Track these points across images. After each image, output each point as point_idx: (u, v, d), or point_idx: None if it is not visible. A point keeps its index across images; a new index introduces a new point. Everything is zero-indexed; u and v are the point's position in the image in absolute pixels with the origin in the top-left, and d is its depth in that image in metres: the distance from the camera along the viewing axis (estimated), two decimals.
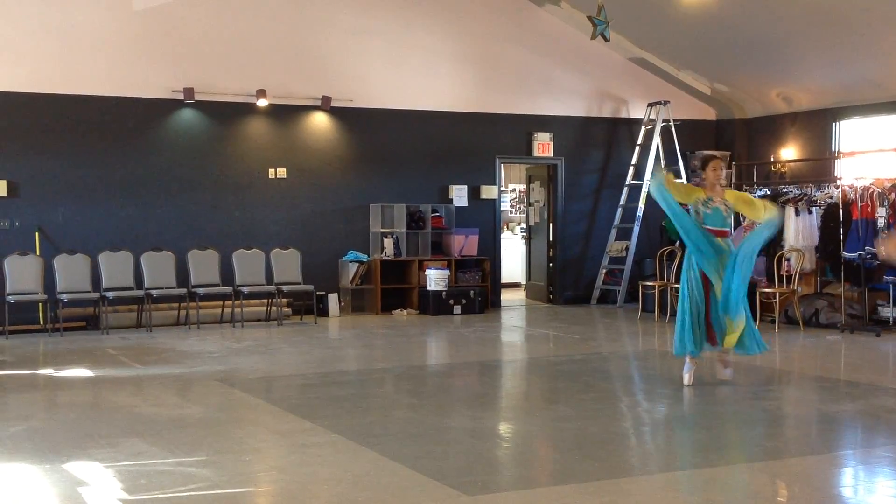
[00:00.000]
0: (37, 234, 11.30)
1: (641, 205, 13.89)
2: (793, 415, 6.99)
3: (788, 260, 11.14)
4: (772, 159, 13.90)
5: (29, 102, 11.31)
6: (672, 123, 14.11)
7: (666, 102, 14.14)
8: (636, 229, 13.87)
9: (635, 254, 13.87)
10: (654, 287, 12.24)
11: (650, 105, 14.30)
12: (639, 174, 14.13)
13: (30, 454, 5.48)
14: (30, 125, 11.34)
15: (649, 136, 14.19)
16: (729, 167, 14.25)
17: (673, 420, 6.63)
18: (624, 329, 11.60)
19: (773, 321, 10.99)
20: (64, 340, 10.43)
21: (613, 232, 14.19)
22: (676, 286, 11.87)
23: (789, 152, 13.95)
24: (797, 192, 11.63)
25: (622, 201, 14.19)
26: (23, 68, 11.22)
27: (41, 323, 11.09)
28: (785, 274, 11.13)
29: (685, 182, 8.25)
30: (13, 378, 8.26)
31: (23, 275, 10.78)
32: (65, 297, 10.82)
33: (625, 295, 13.79)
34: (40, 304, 11.06)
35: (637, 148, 14.27)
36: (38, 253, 11.14)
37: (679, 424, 6.53)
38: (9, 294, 10.65)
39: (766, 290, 11.18)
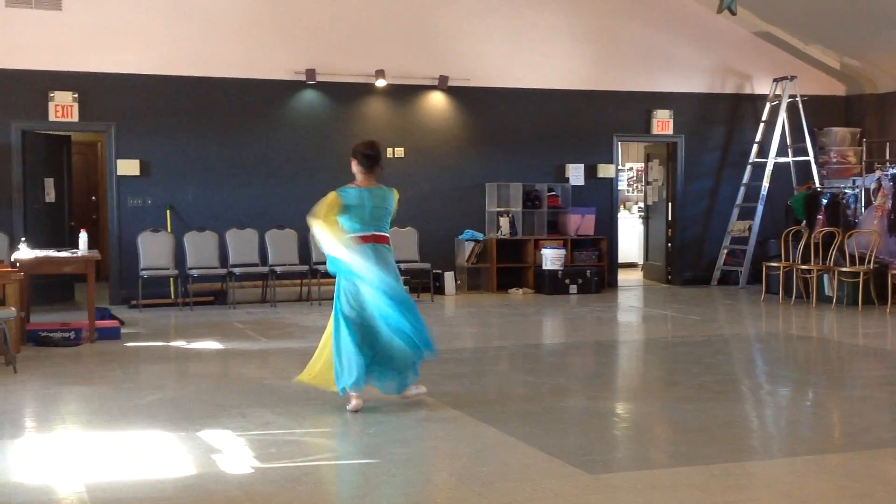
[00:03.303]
0: (168, 211, 11.76)
1: (766, 183, 13.51)
2: None
3: None
4: None
5: (159, 84, 11.75)
6: (799, 99, 13.65)
7: (792, 78, 13.67)
8: (760, 208, 13.49)
9: (759, 234, 13.50)
10: (779, 268, 11.89)
11: (776, 80, 13.85)
12: (763, 152, 13.73)
13: (166, 422, 5.74)
14: (160, 106, 11.79)
15: (774, 112, 13.76)
16: (859, 144, 13.71)
17: (799, 404, 6.46)
18: (746, 311, 11.32)
19: None
20: (193, 314, 10.85)
21: (735, 211, 13.84)
22: (803, 267, 11.59)
23: None
24: None
25: (745, 179, 13.82)
26: (153, 51, 11.66)
27: (172, 297, 11.56)
28: None
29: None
30: (147, 349, 8.65)
31: (155, 251, 11.26)
32: (194, 272, 11.25)
33: (747, 276, 13.46)
34: (171, 279, 11.53)
35: (761, 125, 13.86)
36: (169, 230, 11.61)
37: (806, 409, 6.35)
38: (142, 269, 11.14)
39: None
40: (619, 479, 4.64)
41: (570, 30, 13.34)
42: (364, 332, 5.90)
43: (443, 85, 12.74)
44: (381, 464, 5.00)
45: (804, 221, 12.36)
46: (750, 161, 13.83)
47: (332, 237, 5.91)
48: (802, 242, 11.84)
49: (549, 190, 13.27)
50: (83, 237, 9.15)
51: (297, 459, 4.92)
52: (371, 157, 6.20)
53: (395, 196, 6.24)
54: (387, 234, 6.14)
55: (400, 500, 4.35)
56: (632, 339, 9.73)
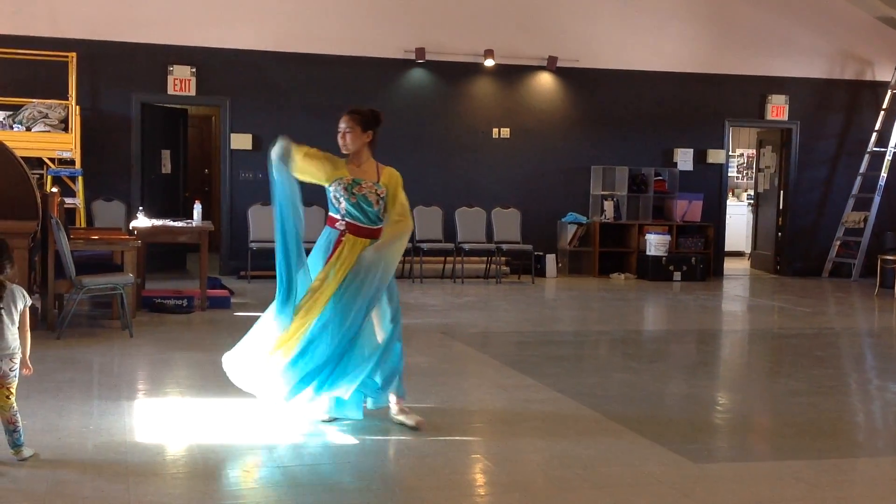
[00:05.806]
0: None
1: (884, 174, 13.02)
2: None
3: None
4: None
5: (273, 60, 12.00)
6: None
7: None
8: (877, 199, 13.01)
9: (874, 225, 13.03)
10: (894, 261, 11.46)
11: None
12: (882, 141, 13.22)
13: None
14: (273, 82, 12.04)
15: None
16: None
17: None
18: (859, 305, 10.95)
19: None
20: None
21: (851, 202, 13.38)
22: None
23: None
24: None
25: (862, 169, 13.35)
26: (268, 28, 11.90)
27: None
28: None
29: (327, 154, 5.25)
30: (256, 319, 8.84)
31: (264, 224, 11.50)
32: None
33: (861, 269, 13.01)
34: None
35: (882, 113, 13.35)
36: None
37: None
38: (251, 241, 11.44)
39: None
40: (724, 469, 4.57)
41: (683, 10, 13.06)
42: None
43: (551, 66, 12.65)
44: (481, 441, 5.04)
45: None
46: (868, 150, 13.34)
47: None
48: None
49: (656, 174, 13.06)
50: (198, 208, 9.44)
51: (398, 434, 5.00)
52: None
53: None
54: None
55: (501, 479, 4.38)
56: (737, 328, 9.53)
